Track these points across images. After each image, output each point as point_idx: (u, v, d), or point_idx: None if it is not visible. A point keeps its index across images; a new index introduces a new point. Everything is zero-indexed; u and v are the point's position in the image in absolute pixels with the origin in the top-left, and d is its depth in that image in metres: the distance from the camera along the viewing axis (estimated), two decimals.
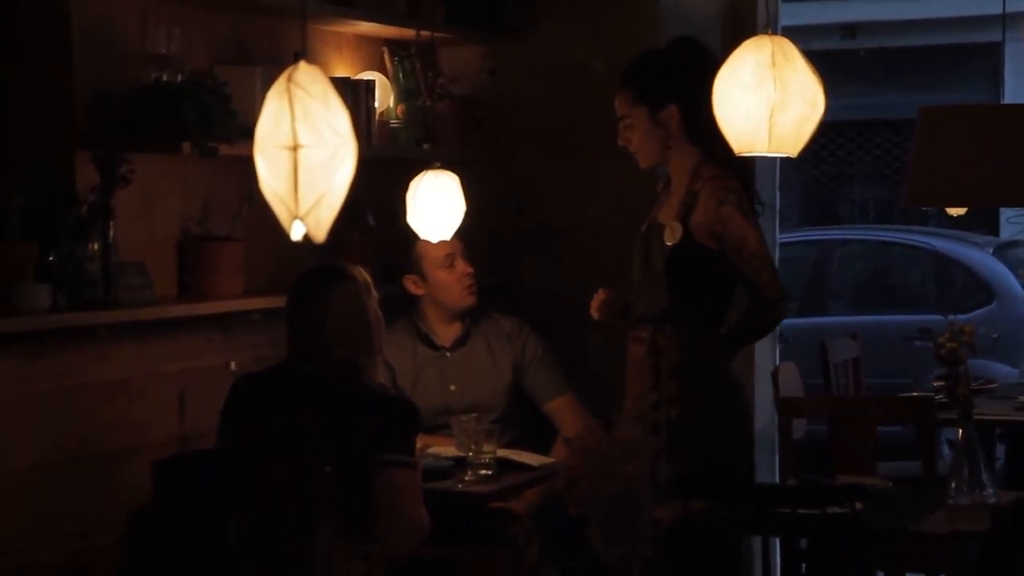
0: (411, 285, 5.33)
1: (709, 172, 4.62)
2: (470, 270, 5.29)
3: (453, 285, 5.28)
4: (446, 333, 5.35)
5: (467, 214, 4.83)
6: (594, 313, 4.82)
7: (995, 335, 9.52)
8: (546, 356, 5.35)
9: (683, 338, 4.59)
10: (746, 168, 4.69)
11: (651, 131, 4.68)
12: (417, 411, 4.28)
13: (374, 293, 4.38)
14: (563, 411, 5.31)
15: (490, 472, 4.72)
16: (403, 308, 5.36)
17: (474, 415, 4.89)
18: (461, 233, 4.90)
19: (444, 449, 4.88)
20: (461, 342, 5.34)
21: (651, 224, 4.71)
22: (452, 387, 5.26)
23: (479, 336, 5.34)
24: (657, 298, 4.63)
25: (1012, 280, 10.21)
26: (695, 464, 4.45)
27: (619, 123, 4.73)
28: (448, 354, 5.32)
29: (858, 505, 3.98)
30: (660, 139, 4.68)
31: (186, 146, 4.33)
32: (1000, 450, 6.62)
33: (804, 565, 4.80)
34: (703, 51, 4.71)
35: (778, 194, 6.40)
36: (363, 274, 4.38)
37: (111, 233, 4.22)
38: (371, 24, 5.36)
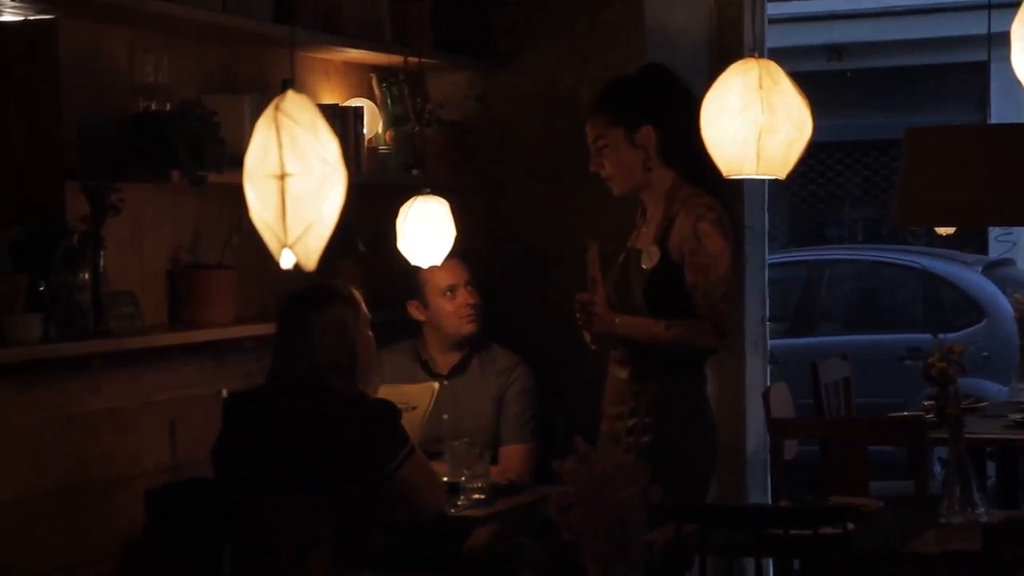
0: (413, 310, 5.33)
1: (686, 192, 4.59)
2: (471, 301, 5.26)
3: (451, 314, 5.26)
4: (445, 360, 5.33)
5: (456, 240, 4.84)
6: (588, 336, 4.70)
7: (985, 354, 9.53)
8: (524, 400, 5.27)
9: (667, 371, 4.58)
10: (727, 191, 4.63)
11: (628, 153, 4.63)
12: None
13: (365, 316, 4.33)
14: (513, 458, 5.20)
15: (483, 496, 4.72)
16: (402, 333, 5.36)
17: (466, 439, 4.88)
18: (458, 258, 4.92)
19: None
20: (458, 370, 5.31)
21: (628, 252, 4.68)
22: (445, 416, 5.24)
23: (476, 367, 5.31)
24: None
25: (1001, 299, 10.19)
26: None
27: (592, 148, 4.69)
28: (445, 382, 5.29)
29: (850, 526, 3.97)
30: (638, 161, 4.64)
31: (175, 175, 4.33)
32: (991, 468, 6.62)
33: None
34: (672, 75, 4.71)
35: (767, 215, 6.41)
36: (355, 296, 4.33)
37: (101, 263, 4.22)
38: (359, 51, 5.37)
